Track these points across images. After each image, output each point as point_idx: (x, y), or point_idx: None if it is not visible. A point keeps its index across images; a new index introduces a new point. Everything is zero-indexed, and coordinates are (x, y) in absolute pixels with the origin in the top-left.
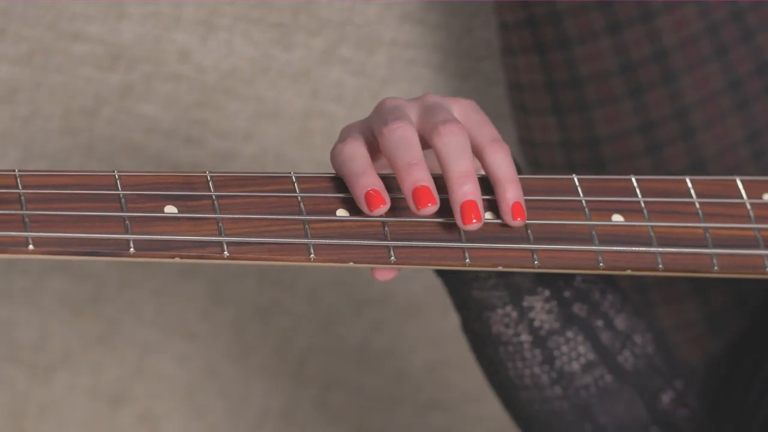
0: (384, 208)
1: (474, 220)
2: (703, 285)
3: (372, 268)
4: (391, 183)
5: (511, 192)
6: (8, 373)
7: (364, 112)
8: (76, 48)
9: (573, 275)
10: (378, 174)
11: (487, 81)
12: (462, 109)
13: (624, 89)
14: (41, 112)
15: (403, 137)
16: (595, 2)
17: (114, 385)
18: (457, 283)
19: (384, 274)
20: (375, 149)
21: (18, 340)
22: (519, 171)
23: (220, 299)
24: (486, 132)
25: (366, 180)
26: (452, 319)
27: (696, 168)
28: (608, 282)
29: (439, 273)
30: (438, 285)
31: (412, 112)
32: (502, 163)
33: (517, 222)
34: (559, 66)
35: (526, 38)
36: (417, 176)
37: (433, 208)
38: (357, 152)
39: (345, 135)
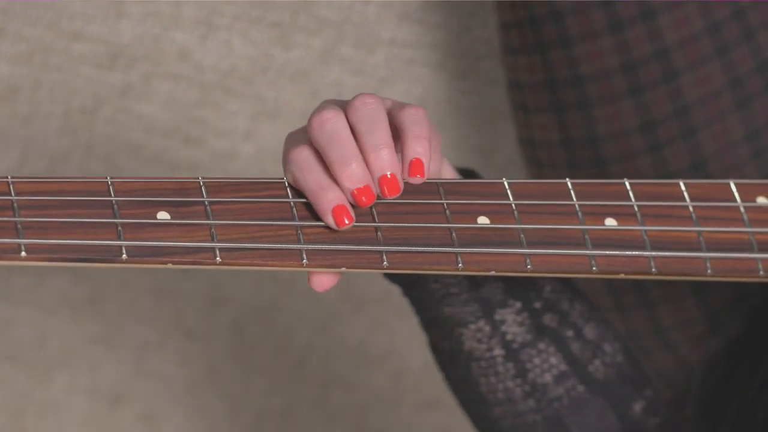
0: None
1: (395, 194)
2: (703, 284)
3: (309, 276)
4: None
5: (411, 149)
6: (8, 373)
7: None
8: (75, 47)
9: (542, 285)
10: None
11: (487, 80)
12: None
13: (625, 88)
14: (41, 111)
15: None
16: (597, 1)
17: (114, 385)
18: (428, 301)
19: (322, 283)
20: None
21: (18, 340)
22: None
23: (219, 299)
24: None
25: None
26: None
27: (696, 167)
28: (575, 291)
29: (407, 293)
30: None
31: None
32: (411, 116)
33: (416, 179)
34: (560, 64)
35: (527, 37)
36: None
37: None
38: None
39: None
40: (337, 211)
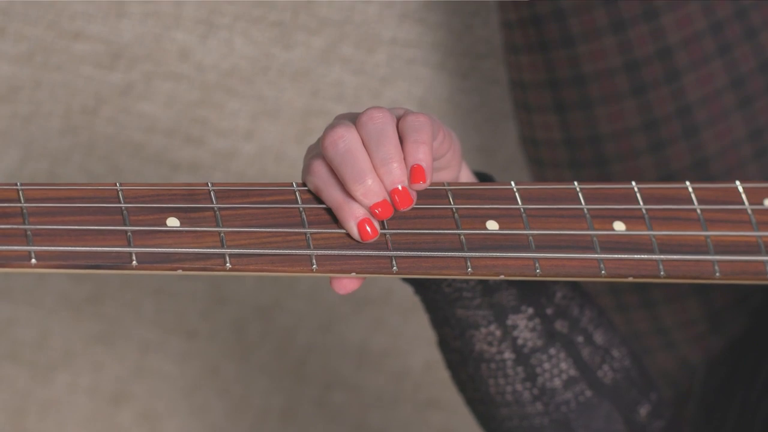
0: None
1: (408, 206)
2: (704, 284)
3: (331, 279)
4: None
5: (412, 155)
6: (9, 372)
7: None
8: (76, 47)
9: (553, 291)
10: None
11: (488, 79)
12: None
13: (627, 87)
14: (42, 110)
15: (348, 150)
16: (600, 0)
17: (114, 384)
18: (441, 302)
19: (345, 286)
20: None
21: (19, 339)
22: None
23: (220, 298)
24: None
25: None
26: None
27: (698, 166)
28: (585, 296)
29: (419, 291)
30: None
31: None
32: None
33: (419, 185)
34: (562, 64)
35: (529, 36)
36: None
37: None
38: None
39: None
40: (361, 224)
